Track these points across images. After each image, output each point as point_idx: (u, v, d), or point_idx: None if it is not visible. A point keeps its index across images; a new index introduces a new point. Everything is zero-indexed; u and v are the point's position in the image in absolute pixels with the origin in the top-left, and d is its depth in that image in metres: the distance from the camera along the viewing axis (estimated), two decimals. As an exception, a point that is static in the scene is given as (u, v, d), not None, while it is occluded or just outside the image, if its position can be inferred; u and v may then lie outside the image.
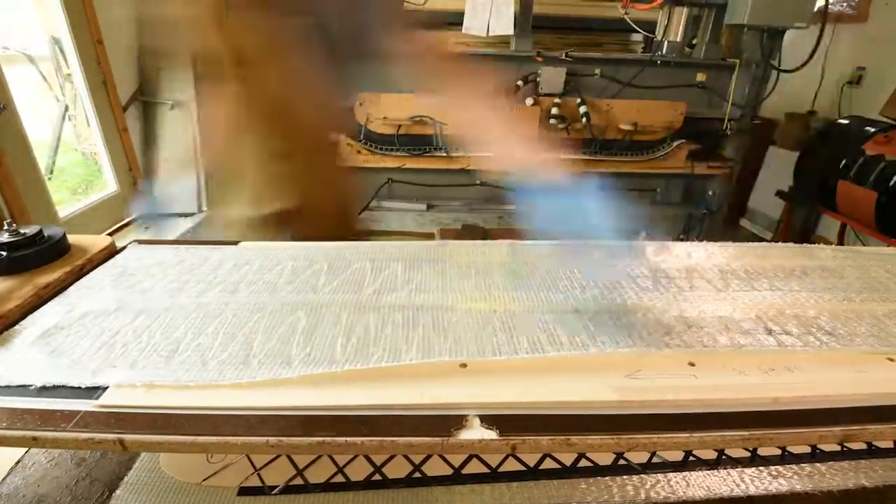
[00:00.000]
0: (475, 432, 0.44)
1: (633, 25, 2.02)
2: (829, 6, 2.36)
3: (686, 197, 2.23)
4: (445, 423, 0.44)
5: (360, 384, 0.47)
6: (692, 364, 0.55)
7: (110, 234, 2.61)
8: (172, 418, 0.43)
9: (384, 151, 2.08)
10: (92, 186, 2.79)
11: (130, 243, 0.78)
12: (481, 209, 2.38)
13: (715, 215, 2.26)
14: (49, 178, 2.67)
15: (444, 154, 2.08)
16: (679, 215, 2.27)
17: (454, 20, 2.53)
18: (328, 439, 0.42)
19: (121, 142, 2.64)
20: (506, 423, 0.45)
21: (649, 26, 2.16)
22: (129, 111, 2.70)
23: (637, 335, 0.59)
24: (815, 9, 1.94)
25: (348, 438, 0.42)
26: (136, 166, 2.75)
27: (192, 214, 2.89)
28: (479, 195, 2.33)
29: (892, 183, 2.00)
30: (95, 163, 2.78)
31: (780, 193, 2.62)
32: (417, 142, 2.06)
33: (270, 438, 0.42)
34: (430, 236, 2.74)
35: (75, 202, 2.63)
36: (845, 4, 2.68)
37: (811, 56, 1.85)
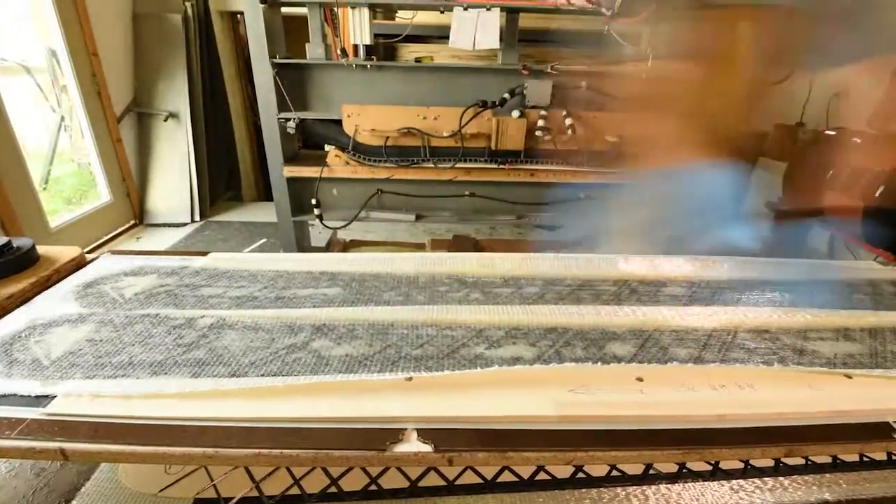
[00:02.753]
0: (411, 446, 0.44)
1: (619, 39, 2.04)
2: (815, 21, 2.38)
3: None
4: (382, 436, 0.45)
5: (302, 397, 0.48)
6: (640, 379, 0.55)
7: (102, 244, 2.63)
8: (114, 427, 0.44)
9: (373, 163, 2.09)
10: (86, 196, 2.81)
11: (102, 255, 0.79)
12: (473, 220, 2.39)
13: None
14: (44, 188, 2.70)
15: (433, 165, 2.09)
16: (667, 227, 2.27)
17: (441, 34, 2.57)
18: (264, 451, 0.42)
19: (115, 152, 2.67)
20: (443, 437, 0.45)
21: (636, 39, 2.19)
22: (124, 122, 2.73)
23: (589, 350, 0.59)
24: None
25: (284, 451, 0.43)
26: (130, 177, 2.77)
27: (185, 224, 2.91)
28: (469, 206, 2.34)
29: (878, 194, 2.00)
30: (90, 173, 2.80)
31: (768, 204, 2.62)
32: (406, 153, 2.08)
33: (208, 449, 0.42)
34: (421, 247, 2.75)
35: (69, 212, 2.65)
36: (831, 19, 2.71)
37: (793, 69, 1.86)
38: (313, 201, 2.17)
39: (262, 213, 3.18)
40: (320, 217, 2.21)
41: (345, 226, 2.21)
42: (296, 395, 0.48)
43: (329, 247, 2.50)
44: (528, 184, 2.22)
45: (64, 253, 0.78)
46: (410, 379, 0.51)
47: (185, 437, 0.43)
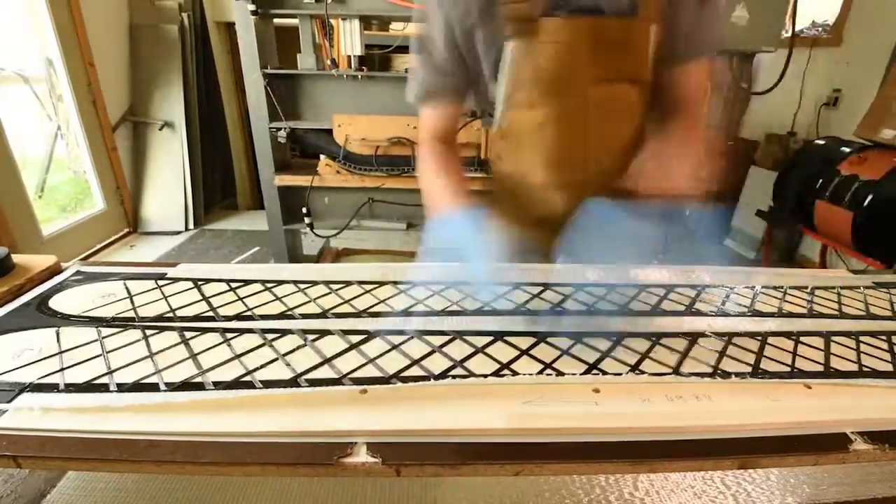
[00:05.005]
0: (360, 459, 0.45)
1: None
2: (804, 31, 2.41)
3: (663, 217, 2.23)
4: (331, 450, 0.45)
5: (254, 410, 0.48)
6: (597, 391, 0.55)
7: (95, 252, 2.64)
8: (62, 441, 0.44)
9: (363, 172, 2.11)
10: (81, 205, 2.83)
11: (71, 264, 0.80)
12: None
13: (694, 235, 2.26)
14: (40, 197, 2.72)
15: (423, 174, 2.10)
16: (656, 236, 2.27)
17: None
18: (210, 466, 0.43)
19: (109, 161, 2.69)
20: (393, 450, 0.46)
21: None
22: (120, 131, 2.76)
23: (547, 360, 0.59)
24: (787, 34, 1.98)
25: (230, 465, 0.43)
26: (124, 185, 2.79)
27: (179, 233, 2.93)
28: (461, 214, 2.34)
29: (866, 203, 2.01)
30: (86, 181, 2.82)
31: (759, 213, 2.63)
32: (396, 162, 2.09)
33: (152, 463, 0.43)
34: (413, 255, 2.76)
35: (63, 220, 2.66)
36: (820, 29, 2.74)
37: (779, 80, 1.88)
38: (304, 210, 2.19)
39: (257, 222, 3.20)
40: (311, 225, 2.23)
41: (335, 234, 2.22)
42: (246, 409, 0.48)
43: (321, 255, 2.52)
44: (519, 192, 2.23)
45: (39, 262, 0.78)
46: (365, 391, 0.51)
47: (133, 451, 0.43)
